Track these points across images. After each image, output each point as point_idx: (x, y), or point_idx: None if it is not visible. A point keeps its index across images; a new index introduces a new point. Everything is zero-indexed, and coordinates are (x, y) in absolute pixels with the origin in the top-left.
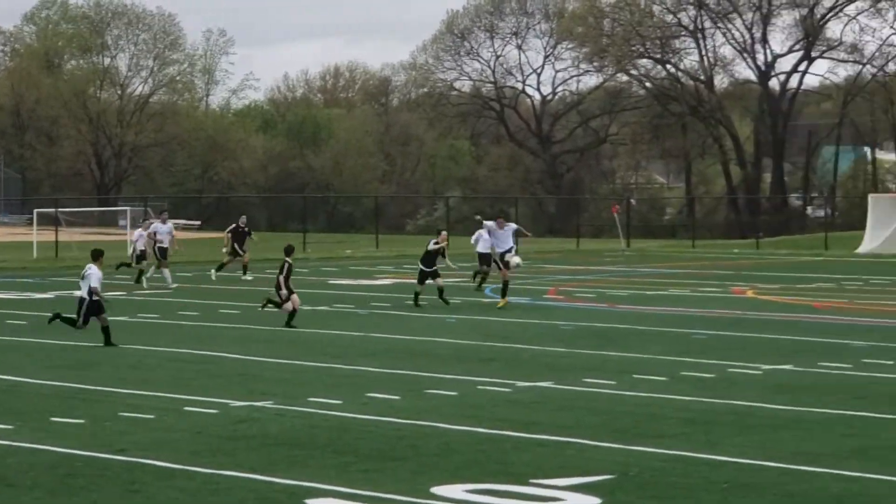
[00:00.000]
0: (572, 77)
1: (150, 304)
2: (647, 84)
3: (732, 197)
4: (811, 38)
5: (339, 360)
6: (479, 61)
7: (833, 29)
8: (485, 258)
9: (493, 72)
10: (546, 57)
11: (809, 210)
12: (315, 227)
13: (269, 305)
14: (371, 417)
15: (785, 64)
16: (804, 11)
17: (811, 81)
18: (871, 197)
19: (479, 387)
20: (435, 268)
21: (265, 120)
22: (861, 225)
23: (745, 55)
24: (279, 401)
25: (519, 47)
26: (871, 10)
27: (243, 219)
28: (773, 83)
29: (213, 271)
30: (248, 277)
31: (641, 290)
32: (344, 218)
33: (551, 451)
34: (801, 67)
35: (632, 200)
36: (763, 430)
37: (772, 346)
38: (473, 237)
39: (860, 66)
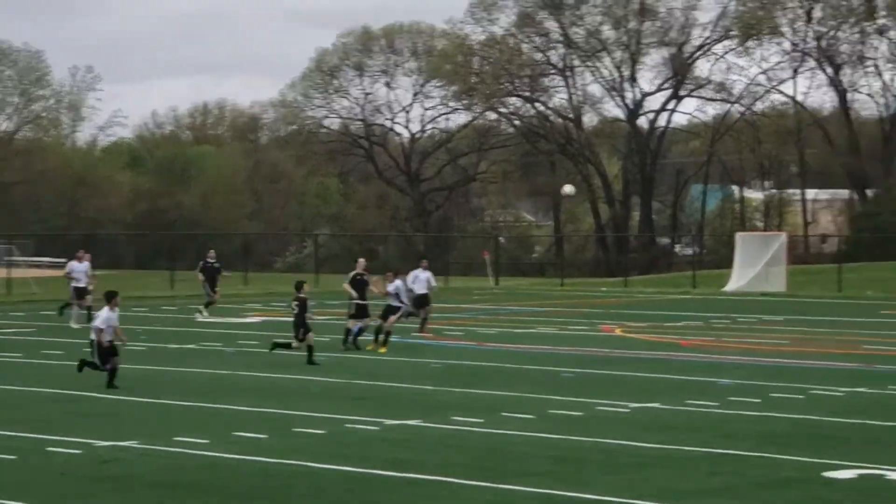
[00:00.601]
0: (441, 115)
1: (11, 343)
2: (516, 122)
3: (601, 235)
4: (680, 76)
5: (205, 399)
6: (347, 99)
7: (701, 67)
8: (422, 300)
9: (362, 109)
10: (415, 95)
11: (677, 248)
12: (183, 265)
13: (278, 349)
14: (238, 457)
15: (653, 102)
16: (673, 50)
17: (679, 120)
18: (738, 235)
19: (348, 425)
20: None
21: (133, 157)
22: (728, 263)
23: (614, 93)
24: (145, 440)
25: (388, 85)
26: (739, 48)
27: (212, 253)
28: (642, 121)
29: (203, 311)
30: (205, 317)
31: (510, 328)
32: None
33: (421, 491)
34: (670, 106)
35: (500, 238)
36: (630, 469)
37: (639, 385)
38: (410, 277)
39: (728, 105)
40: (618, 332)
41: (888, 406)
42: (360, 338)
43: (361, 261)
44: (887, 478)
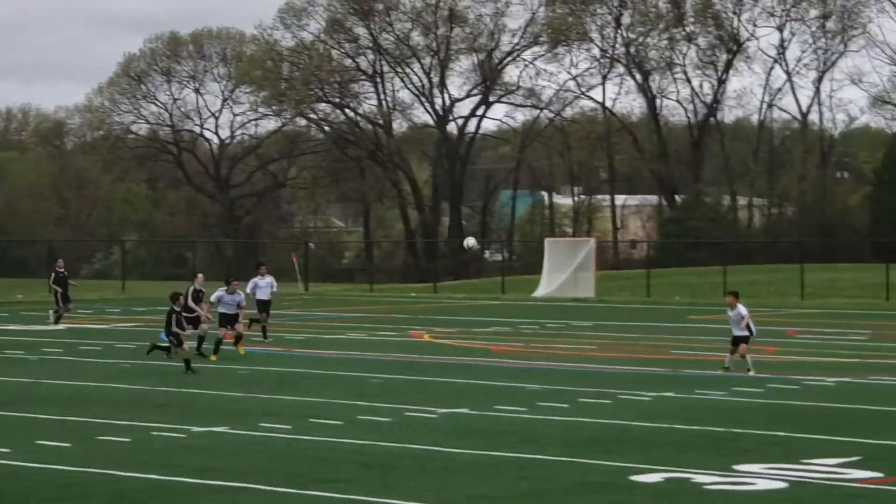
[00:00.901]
0: (251, 121)
1: None
2: (326, 128)
3: (410, 241)
4: (489, 82)
5: (7, 408)
6: (156, 104)
7: (511, 73)
8: (265, 305)
9: (171, 115)
10: (224, 101)
11: (487, 254)
12: None
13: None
14: (40, 465)
15: (463, 108)
16: (482, 56)
17: (489, 126)
18: (547, 241)
19: (154, 433)
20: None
21: None
22: (537, 269)
23: (424, 99)
24: None
25: (197, 91)
26: (549, 55)
27: (60, 262)
28: (452, 127)
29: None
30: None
31: (319, 333)
32: (16, 262)
33: (226, 498)
34: (479, 112)
35: (310, 244)
36: (438, 474)
37: (448, 390)
38: (250, 285)
39: (537, 111)
40: (426, 337)
41: (694, 410)
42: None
43: (200, 276)
44: (693, 481)
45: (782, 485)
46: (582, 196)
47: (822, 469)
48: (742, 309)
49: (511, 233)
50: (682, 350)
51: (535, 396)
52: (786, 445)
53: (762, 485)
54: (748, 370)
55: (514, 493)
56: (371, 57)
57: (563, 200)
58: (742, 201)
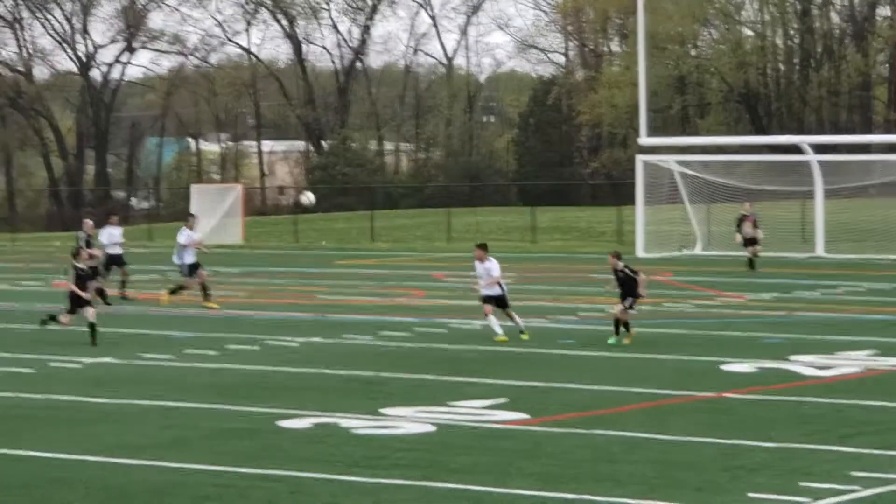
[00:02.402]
0: None
1: None
2: None
3: (54, 189)
4: (133, 28)
5: None
6: None
7: (155, 19)
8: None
9: None
10: None
11: (134, 202)
12: None
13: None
14: None
15: (107, 55)
16: (125, 2)
17: (134, 73)
18: (193, 187)
19: None
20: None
21: None
22: (185, 216)
23: (66, 46)
24: None
25: None
26: (194, 1)
27: None
28: (96, 74)
29: None
30: None
31: None
32: None
33: None
34: (124, 59)
35: None
36: (80, 424)
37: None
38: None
39: (183, 57)
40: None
41: (340, 355)
42: None
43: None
44: (341, 425)
45: (430, 428)
46: (229, 143)
47: (469, 411)
48: (494, 264)
49: (158, 180)
50: (329, 295)
51: (182, 344)
52: (433, 388)
53: (410, 427)
54: (521, 333)
55: (158, 441)
56: (10, 2)
57: (210, 147)
58: (389, 146)
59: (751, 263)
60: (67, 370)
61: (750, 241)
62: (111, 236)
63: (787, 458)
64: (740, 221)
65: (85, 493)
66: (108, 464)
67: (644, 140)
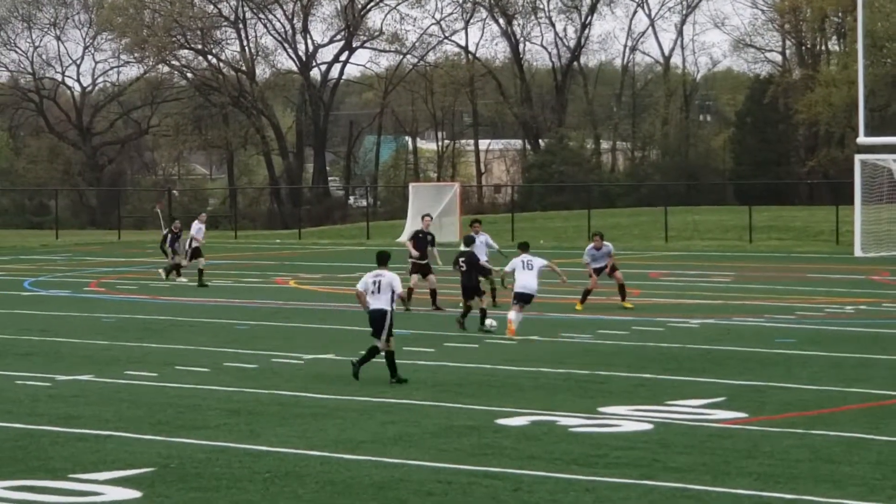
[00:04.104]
0: (113, 68)
1: None
2: (189, 75)
3: (275, 187)
4: (352, 28)
5: None
6: (16, 52)
7: (374, 19)
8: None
9: (32, 63)
10: (86, 48)
11: (352, 200)
12: None
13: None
14: None
15: (326, 54)
16: (345, 2)
17: (352, 72)
18: (411, 186)
19: (18, 381)
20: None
21: None
22: (402, 214)
23: (287, 45)
24: None
25: (58, 38)
26: (412, 0)
27: None
28: (315, 73)
29: None
30: None
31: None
32: None
33: (91, 446)
34: (343, 58)
35: (174, 192)
36: (305, 419)
37: (314, 336)
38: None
39: (401, 56)
40: (291, 283)
41: (559, 353)
42: None
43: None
44: (559, 423)
45: (648, 426)
46: (446, 141)
47: (687, 410)
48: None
49: (375, 178)
50: (545, 294)
51: (406, 341)
52: (651, 387)
53: (628, 426)
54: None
55: (382, 437)
56: (233, 3)
57: (428, 145)
58: (605, 145)
59: None
60: (290, 366)
61: None
62: (198, 231)
63: None
64: None
65: (315, 487)
66: (331, 458)
67: (862, 139)
